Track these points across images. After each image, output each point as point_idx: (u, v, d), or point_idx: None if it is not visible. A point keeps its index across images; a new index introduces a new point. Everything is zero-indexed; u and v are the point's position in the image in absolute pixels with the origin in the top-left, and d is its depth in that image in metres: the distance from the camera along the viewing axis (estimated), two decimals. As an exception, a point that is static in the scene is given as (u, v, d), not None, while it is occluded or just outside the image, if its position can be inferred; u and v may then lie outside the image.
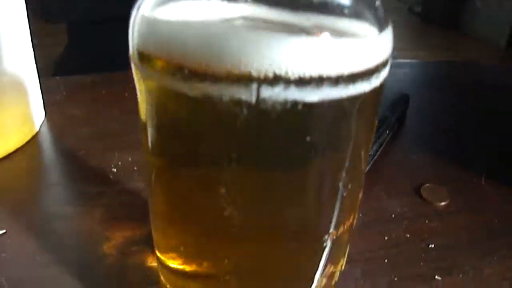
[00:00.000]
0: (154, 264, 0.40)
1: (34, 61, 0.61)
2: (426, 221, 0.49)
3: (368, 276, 0.41)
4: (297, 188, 0.23)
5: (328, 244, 0.26)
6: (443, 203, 0.53)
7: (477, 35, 3.22)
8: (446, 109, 0.78)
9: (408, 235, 0.47)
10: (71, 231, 0.45)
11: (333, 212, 0.25)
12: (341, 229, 0.27)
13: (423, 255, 0.45)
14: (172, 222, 0.28)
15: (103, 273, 0.40)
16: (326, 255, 0.27)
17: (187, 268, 0.28)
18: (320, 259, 0.27)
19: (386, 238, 0.47)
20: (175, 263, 0.29)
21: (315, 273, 0.28)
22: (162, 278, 0.33)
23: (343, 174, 0.23)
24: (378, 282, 0.41)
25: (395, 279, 0.42)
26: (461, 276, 0.40)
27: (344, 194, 0.24)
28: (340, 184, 0.24)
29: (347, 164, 0.23)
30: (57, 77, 0.80)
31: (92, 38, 2.40)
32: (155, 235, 0.31)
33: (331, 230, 0.25)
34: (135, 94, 0.25)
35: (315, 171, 0.23)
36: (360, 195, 0.29)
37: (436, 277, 0.42)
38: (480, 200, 0.54)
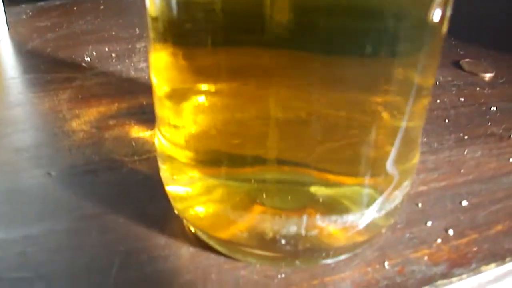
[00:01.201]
0: (140, 135, 0.28)
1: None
2: (478, 88, 0.39)
3: (431, 135, 0.30)
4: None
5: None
6: (489, 75, 0.43)
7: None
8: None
9: (462, 99, 0.36)
10: (31, 115, 0.33)
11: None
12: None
13: (487, 116, 0.33)
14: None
15: (73, 147, 0.28)
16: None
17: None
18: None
19: (438, 101, 0.35)
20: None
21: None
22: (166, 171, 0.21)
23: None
24: (445, 139, 0.30)
25: (465, 137, 0.30)
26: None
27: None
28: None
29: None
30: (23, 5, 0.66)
31: None
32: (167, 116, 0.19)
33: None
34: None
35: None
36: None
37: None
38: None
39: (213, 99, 0.18)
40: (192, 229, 0.21)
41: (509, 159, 0.28)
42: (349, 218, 0.18)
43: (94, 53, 0.45)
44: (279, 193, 0.19)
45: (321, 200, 0.18)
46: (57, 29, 0.54)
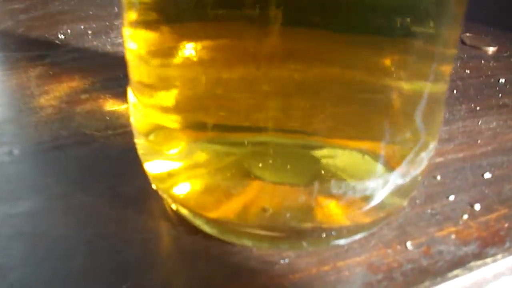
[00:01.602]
0: (115, 108, 0.24)
1: None
2: (482, 61, 0.36)
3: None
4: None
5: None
6: (492, 48, 0.40)
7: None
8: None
9: (468, 71, 0.33)
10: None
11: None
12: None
13: (497, 88, 0.30)
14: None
15: (39, 123, 0.24)
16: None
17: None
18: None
19: (443, 72, 0.32)
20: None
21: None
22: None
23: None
24: (456, 110, 0.26)
25: (477, 108, 0.27)
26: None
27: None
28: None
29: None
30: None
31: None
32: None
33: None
34: None
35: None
36: None
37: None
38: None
39: (204, 54, 0.14)
40: (175, 208, 0.17)
41: (528, 130, 0.25)
42: (370, 184, 0.14)
43: (69, 31, 0.41)
44: (281, 161, 0.15)
45: (334, 166, 0.14)
46: (31, 11, 0.49)
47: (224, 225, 0.15)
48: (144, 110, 0.16)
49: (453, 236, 0.17)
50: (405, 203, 0.17)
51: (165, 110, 0.15)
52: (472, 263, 0.16)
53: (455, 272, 0.16)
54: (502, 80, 0.33)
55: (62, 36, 0.40)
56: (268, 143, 0.15)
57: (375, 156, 0.15)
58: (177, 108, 0.15)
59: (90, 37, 0.39)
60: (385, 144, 0.15)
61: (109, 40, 0.37)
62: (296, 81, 0.14)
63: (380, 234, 0.17)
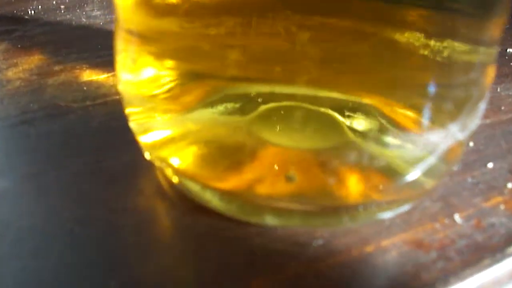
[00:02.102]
0: (93, 78, 0.21)
1: None
2: None
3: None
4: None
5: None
6: None
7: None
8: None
9: None
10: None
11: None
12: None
13: (506, 57, 0.29)
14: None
15: (5, 97, 0.20)
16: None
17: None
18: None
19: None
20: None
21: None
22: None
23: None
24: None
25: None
26: None
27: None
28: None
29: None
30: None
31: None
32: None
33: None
34: None
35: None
36: None
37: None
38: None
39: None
40: (177, 181, 0.13)
41: (551, 95, 0.23)
42: (417, 146, 0.11)
43: (40, 7, 0.37)
44: (305, 123, 0.12)
45: (370, 128, 0.11)
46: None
47: (241, 198, 0.12)
48: (142, 64, 0.13)
49: (502, 207, 0.14)
50: (452, 168, 0.14)
51: (167, 63, 0.12)
52: (531, 237, 0.13)
53: (515, 247, 0.13)
54: (510, 50, 0.30)
55: (32, 12, 0.36)
56: (294, 98, 0.12)
57: (419, 117, 0.12)
58: (181, 60, 0.12)
59: (63, 11, 0.35)
60: (433, 102, 0.12)
61: (84, 13, 0.33)
62: (333, 27, 0.11)
63: (423, 207, 0.14)
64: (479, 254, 0.12)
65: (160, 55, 0.13)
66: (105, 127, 0.17)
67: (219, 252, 0.12)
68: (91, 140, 0.16)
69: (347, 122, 0.12)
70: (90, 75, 0.22)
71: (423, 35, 0.11)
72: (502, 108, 0.22)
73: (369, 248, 0.12)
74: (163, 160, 0.13)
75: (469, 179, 0.16)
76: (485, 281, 0.11)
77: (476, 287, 0.11)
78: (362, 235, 0.12)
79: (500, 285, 0.12)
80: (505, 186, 0.15)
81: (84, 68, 0.23)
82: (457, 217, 0.13)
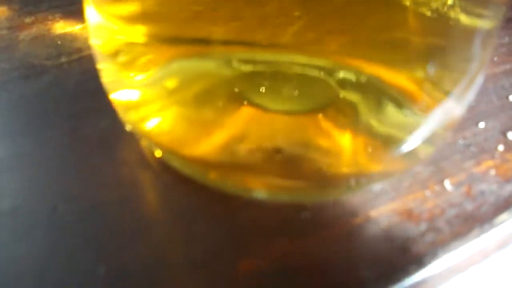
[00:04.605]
0: (67, 30, 0.19)
1: None
2: None
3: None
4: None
5: None
6: None
7: None
8: None
9: None
10: None
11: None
12: None
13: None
14: None
15: None
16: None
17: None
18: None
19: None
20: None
21: None
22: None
23: None
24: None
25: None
26: None
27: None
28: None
29: None
30: None
31: None
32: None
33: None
34: None
35: None
36: None
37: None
38: None
39: None
40: (158, 154, 0.13)
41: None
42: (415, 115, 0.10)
43: None
44: (290, 84, 0.11)
45: (363, 94, 0.10)
46: None
47: (228, 170, 0.11)
48: (110, 23, 0.11)
49: (492, 172, 0.14)
50: (448, 134, 0.13)
51: (136, 20, 0.11)
52: (520, 203, 0.13)
53: (502, 217, 0.13)
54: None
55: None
56: (277, 62, 0.11)
57: (418, 84, 0.11)
58: (152, 17, 0.11)
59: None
60: (433, 68, 0.11)
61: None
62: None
63: (414, 172, 0.13)
64: (468, 224, 0.12)
65: (129, 14, 0.11)
66: (82, 88, 0.16)
67: (206, 225, 0.11)
68: (68, 104, 0.15)
69: (340, 87, 0.11)
70: (63, 27, 0.20)
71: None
72: (495, 59, 0.21)
73: (358, 220, 0.11)
74: (138, 126, 0.12)
75: (461, 141, 0.15)
76: (472, 252, 0.11)
77: (463, 258, 0.11)
78: (350, 206, 0.12)
79: (487, 255, 0.12)
80: (496, 149, 0.15)
81: (57, 19, 0.21)
82: (447, 184, 0.13)
